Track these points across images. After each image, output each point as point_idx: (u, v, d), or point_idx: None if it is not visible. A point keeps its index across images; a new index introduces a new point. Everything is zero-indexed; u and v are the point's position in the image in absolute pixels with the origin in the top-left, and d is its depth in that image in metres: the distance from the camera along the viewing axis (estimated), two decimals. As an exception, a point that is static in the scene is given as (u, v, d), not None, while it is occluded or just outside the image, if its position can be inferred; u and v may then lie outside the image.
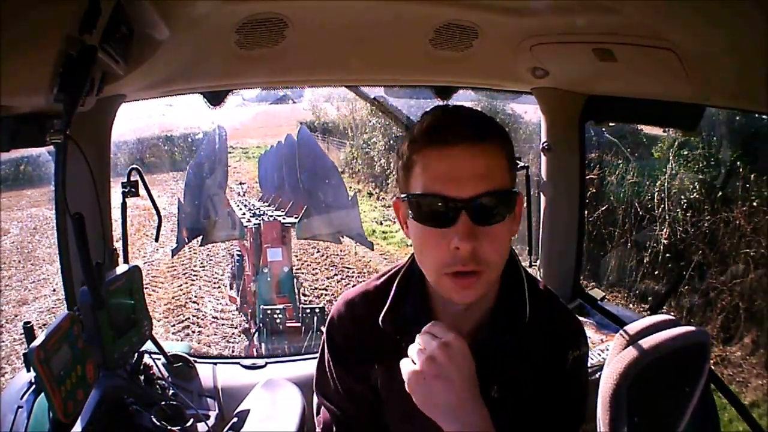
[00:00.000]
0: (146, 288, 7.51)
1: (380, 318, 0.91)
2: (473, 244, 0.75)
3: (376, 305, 0.93)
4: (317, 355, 1.05)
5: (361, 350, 0.94)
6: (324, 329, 1.01)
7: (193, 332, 6.77)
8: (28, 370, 1.14)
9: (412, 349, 0.79)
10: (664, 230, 6.22)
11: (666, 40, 0.98)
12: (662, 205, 6.31)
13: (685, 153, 6.26)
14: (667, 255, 6.18)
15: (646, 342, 1.15)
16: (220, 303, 7.46)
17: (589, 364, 1.48)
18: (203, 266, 8.79)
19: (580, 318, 1.66)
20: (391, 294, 0.92)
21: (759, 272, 5.49)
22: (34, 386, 1.16)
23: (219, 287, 7.99)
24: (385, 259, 8.81)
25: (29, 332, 1.07)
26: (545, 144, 1.73)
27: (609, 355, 1.20)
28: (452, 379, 0.75)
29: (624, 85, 1.43)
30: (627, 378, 1.11)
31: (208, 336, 6.70)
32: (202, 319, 7.05)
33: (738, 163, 5.76)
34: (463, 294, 0.80)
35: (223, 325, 6.87)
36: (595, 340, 1.59)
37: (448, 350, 0.76)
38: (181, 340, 6.53)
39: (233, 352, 6.33)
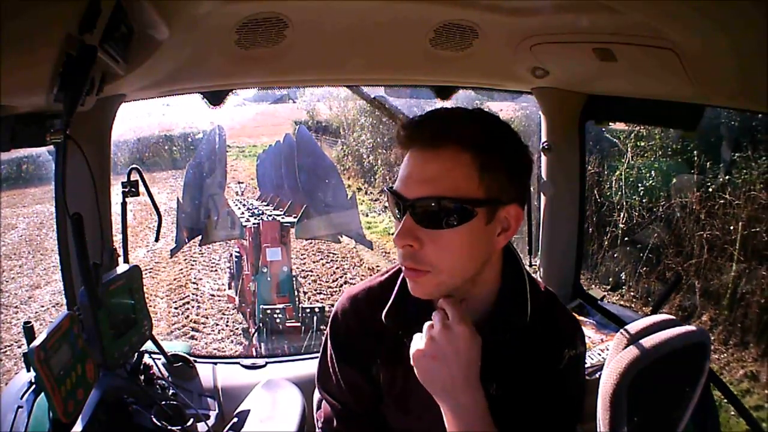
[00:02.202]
0: (150, 271, 7.92)
1: (383, 314, 0.92)
2: (409, 243, 0.80)
3: (380, 301, 0.94)
4: (318, 354, 1.06)
5: (364, 345, 0.96)
6: (326, 326, 1.02)
7: (193, 307, 7.57)
8: (28, 370, 1.14)
9: (426, 326, 0.83)
10: (622, 215, 6.75)
11: (666, 40, 0.97)
12: (620, 193, 6.81)
13: (642, 144, 6.74)
14: (626, 239, 6.71)
15: (647, 342, 1.15)
16: (216, 283, 8.29)
17: (589, 364, 1.49)
18: (201, 253, 9.30)
19: (580, 318, 1.67)
20: (395, 291, 0.93)
21: (713, 253, 5.93)
22: (34, 386, 1.16)
23: (215, 270, 8.78)
24: (369, 246, 9.32)
25: (29, 332, 1.07)
26: (545, 144, 1.73)
27: (609, 355, 1.19)
28: (449, 361, 0.80)
29: (624, 84, 1.43)
30: (627, 378, 1.11)
31: (205, 309, 7.53)
32: (201, 296, 7.89)
33: (695, 151, 6.23)
34: (413, 287, 0.84)
35: (219, 300, 7.70)
36: (595, 340, 1.59)
37: (449, 334, 0.80)
38: (182, 314, 7.29)
39: (227, 323, 7.04)
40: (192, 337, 6.81)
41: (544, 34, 1.22)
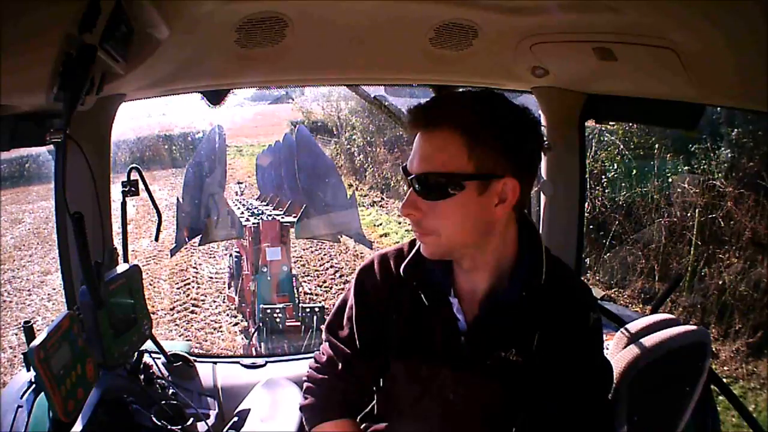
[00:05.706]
0: (154, 258, 8.51)
1: (402, 267, 1.01)
2: (411, 212, 0.92)
3: (405, 260, 1.04)
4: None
5: (386, 299, 1.04)
6: (354, 277, 1.11)
7: (192, 288, 8.34)
8: (28, 370, 1.14)
9: None
10: (587, 205, 7.05)
11: (666, 40, 0.98)
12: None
13: (605, 139, 7.06)
14: (590, 227, 7.04)
15: (646, 341, 1.15)
16: (214, 267, 9.02)
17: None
18: (201, 242, 9.78)
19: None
20: (415, 248, 1.03)
21: (672, 238, 6.31)
22: (34, 385, 1.15)
23: (214, 257, 9.49)
24: (352, 234, 9.89)
25: (29, 332, 1.07)
26: (545, 143, 1.73)
27: (609, 355, 1.20)
28: None
29: (624, 84, 1.43)
30: (627, 377, 1.11)
31: (204, 289, 8.34)
32: (200, 279, 8.70)
33: (656, 145, 6.62)
34: (422, 248, 0.97)
35: (216, 282, 8.48)
36: (594, 340, 1.59)
37: None
38: (183, 293, 7.99)
39: (224, 301, 7.74)
40: (192, 312, 7.49)
41: (544, 34, 1.22)
